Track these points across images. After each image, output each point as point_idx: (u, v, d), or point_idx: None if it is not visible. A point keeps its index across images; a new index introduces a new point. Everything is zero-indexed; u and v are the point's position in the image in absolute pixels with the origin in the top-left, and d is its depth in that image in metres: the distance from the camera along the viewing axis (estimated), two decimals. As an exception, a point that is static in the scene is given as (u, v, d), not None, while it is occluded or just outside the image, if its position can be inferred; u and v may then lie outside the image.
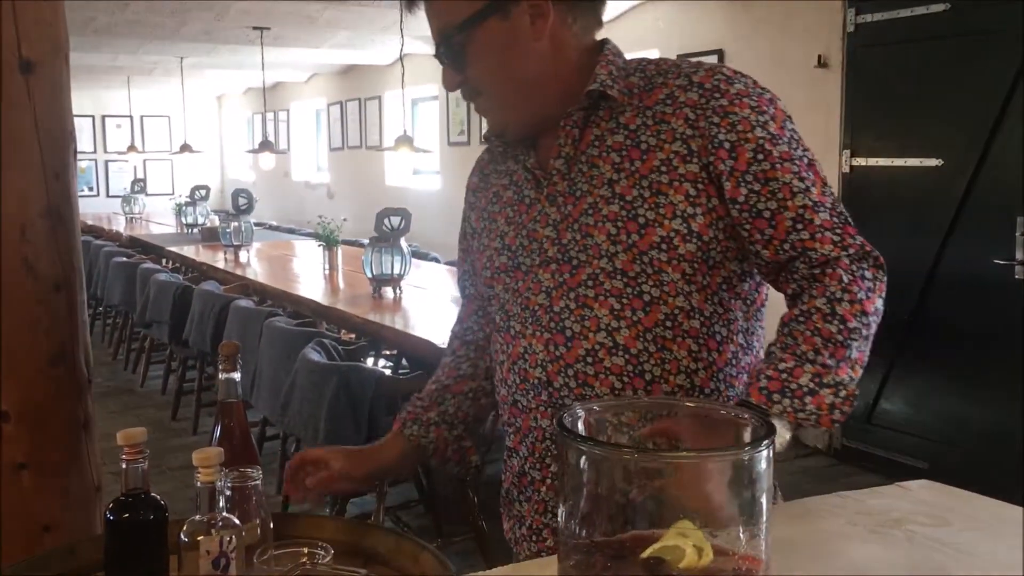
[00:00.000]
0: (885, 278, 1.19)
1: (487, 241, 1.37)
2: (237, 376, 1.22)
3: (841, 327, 1.13)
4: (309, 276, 5.62)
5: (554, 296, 1.24)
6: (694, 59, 1.31)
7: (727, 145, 1.18)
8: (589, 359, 1.21)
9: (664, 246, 1.18)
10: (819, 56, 4.75)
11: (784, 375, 1.11)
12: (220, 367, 1.22)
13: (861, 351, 1.15)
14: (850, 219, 1.19)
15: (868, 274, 1.16)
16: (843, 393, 1.11)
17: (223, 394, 1.22)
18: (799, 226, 1.16)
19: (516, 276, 1.30)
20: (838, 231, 1.17)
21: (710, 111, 1.19)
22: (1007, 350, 4.01)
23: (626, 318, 1.20)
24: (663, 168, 1.20)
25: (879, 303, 1.17)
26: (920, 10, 4.25)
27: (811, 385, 1.10)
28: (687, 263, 1.19)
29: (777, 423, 1.06)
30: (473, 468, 1.49)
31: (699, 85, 1.20)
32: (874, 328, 1.17)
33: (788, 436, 1.08)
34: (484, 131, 1.41)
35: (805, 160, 1.19)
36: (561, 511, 0.84)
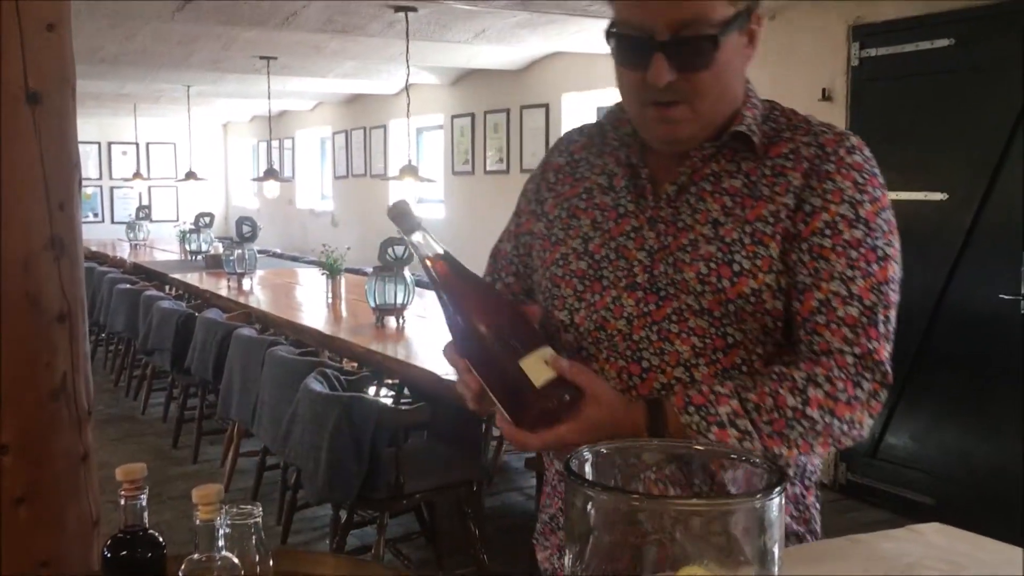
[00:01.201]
0: (883, 397, 1.14)
1: (563, 235, 1.31)
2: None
3: (799, 408, 1.10)
4: (312, 305, 5.61)
5: (635, 325, 1.21)
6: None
7: (807, 208, 1.16)
8: (664, 393, 1.18)
9: (753, 299, 1.16)
10: (823, 90, 4.76)
11: (711, 396, 1.10)
12: None
13: (806, 442, 1.11)
14: (884, 327, 1.14)
15: (865, 386, 1.13)
16: (746, 446, 1.08)
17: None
18: (822, 310, 1.14)
19: (594, 288, 1.25)
20: (857, 330, 1.13)
21: (820, 172, 1.17)
22: (1013, 385, 3.98)
23: (706, 356, 1.18)
24: (770, 219, 1.17)
25: (860, 417, 1.13)
26: (925, 45, 4.27)
27: (724, 419, 1.09)
28: (771, 318, 1.17)
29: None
30: None
31: (821, 147, 1.19)
32: (839, 436, 1.13)
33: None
34: (604, 114, 1.35)
35: (877, 253, 1.16)
36: (568, 556, 0.82)
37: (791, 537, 1.24)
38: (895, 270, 1.18)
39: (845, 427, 1.12)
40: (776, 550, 0.77)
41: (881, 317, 1.14)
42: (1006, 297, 3.99)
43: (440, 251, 1.14)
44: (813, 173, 1.17)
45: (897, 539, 1.17)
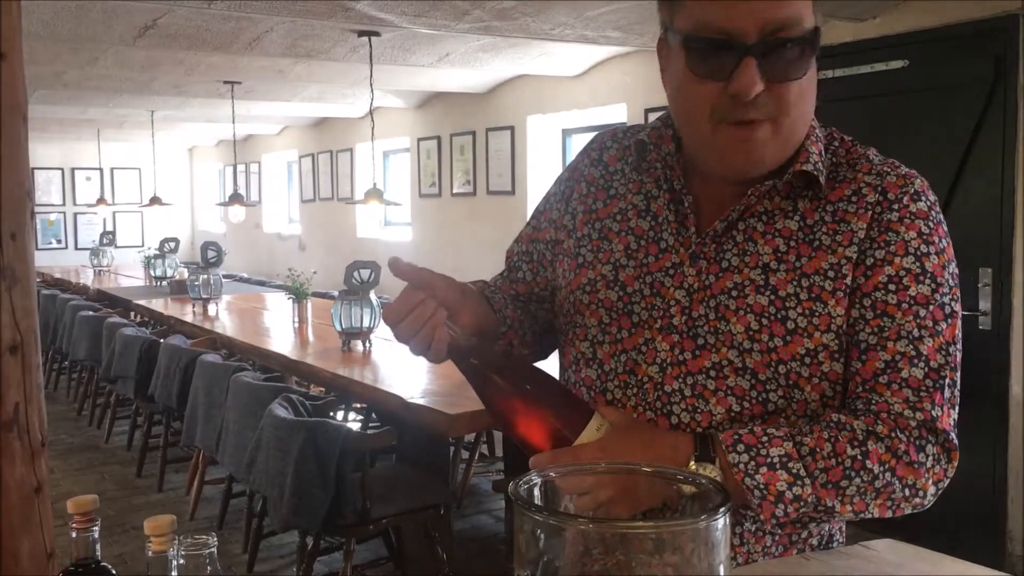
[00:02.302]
0: (948, 466, 1.07)
1: (591, 258, 1.21)
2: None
3: (858, 458, 1.02)
4: (278, 329, 5.58)
5: (668, 374, 1.12)
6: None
7: (869, 261, 1.07)
8: (713, 430, 1.10)
9: (808, 360, 1.07)
10: (783, 110, 4.83)
11: (764, 438, 1.02)
12: None
13: (864, 500, 1.03)
14: (950, 392, 1.08)
15: (929, 449, 1.05)
16: (796, 492, 1.00)
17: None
18: (887, 371, 1.05)
19: (622, 323, 1.16)
20: (921, 393, 1.05)
21: (883, 222, 1.08)
22: (975, 401, 4.03)
23: (741, 423, 1.09)
24: (831, 273, 1.07)
25: (924, 484, 1.05)
26: (880, 67, 4.35)
27: (776, 461, 1.01)
28: (828, 383, 1.08)
29: (715, 469, 1.00)
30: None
31: (884, 192, 1.09)
32: (900, 501, 1.05)
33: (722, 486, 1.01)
34: (646, 130, 1.22)
35: (944, 310, 1.08)
36: (517, 582, 0.82)
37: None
38: (959, 328, 1.10)
39: (907, 491, 1.05)
40: (722, 569, 0.78)
41: (948, 381, 1.07)
42: (964, 313, 4.04)
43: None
44: (875, 223, 1.08)
45: (850, 556, 1.18)
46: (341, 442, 3.09)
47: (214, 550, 1.09)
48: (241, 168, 12.20)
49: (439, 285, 1.12)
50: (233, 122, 8.09)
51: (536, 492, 0.85)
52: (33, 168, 12.07)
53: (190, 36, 5.10)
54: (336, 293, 4.99)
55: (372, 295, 4.62)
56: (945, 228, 1.11)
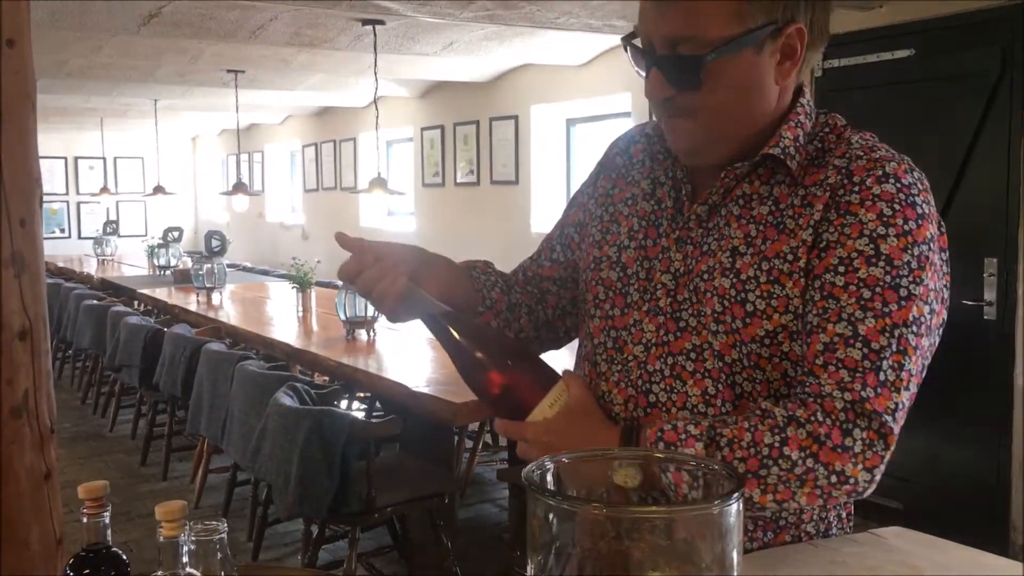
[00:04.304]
0: (884, 451, 1.04)
1: (599, 238, 1.27)
2: None
3: (776, 446, 1.02)
4: (282, 318, 5.58)
5: (652, 354, 1.16)
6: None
7: (823, 243, 1.07)
8: (640, 420, 1.15)
9: (768, 341, 1.09)
10: (788, 100, 4.81)
11: (682, 435, 1.04)
12: None
13: (788, 488, 1.02)
14: (891, 375, 1.03)
15: (857, 434, 1.02)
16: None
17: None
18: (825, 352, 1.05)
19: (616, 302, 1.22)
20: (855, 374, 1.03)
21: (841, 204, 1.08)
22: (979, 390, 4.04)
23: (715, 406, 1.12)
24: (789, 256, 1.09)
25: (853, 471, 1.02)
26: (886, 56, 4.33)
27: None
28: (790, 363, 1.09)
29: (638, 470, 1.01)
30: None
31: (849, 174, 1.09)
32: (828, 488, 1.03)
33: (638, 481, 1.00)
34: (651, 125, 1.28)
35: (899, 292, 1.04)
36: (530, 567, 0.82)
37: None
38: (921, 311, 1.05)
39: (834, 478, 1.02)
40: (735, 556, 0.78)
41: (889, 363, 1.03)
42: (969, 303, 4.05)
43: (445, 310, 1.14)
44: (833, 205, 1.08)
45: (859, 543, 1.18)
46: (346, 431, 3.09)
47: (224, 536, 1.09)
48: (244, 157, 12.19)
49: (395, 251, 1.19)
50: (236, 111, 8.07)
51: (549, 477, 0.85)
52: (36, 157, 12.08)
53: (194, 24, 5.09)
54: (340, 282, 4.98)
55: (376, 284, 4.60)
56: (920, 210, 1.07)
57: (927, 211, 1.08)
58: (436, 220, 8.40)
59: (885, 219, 1.05)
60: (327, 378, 4.41)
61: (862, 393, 1.02)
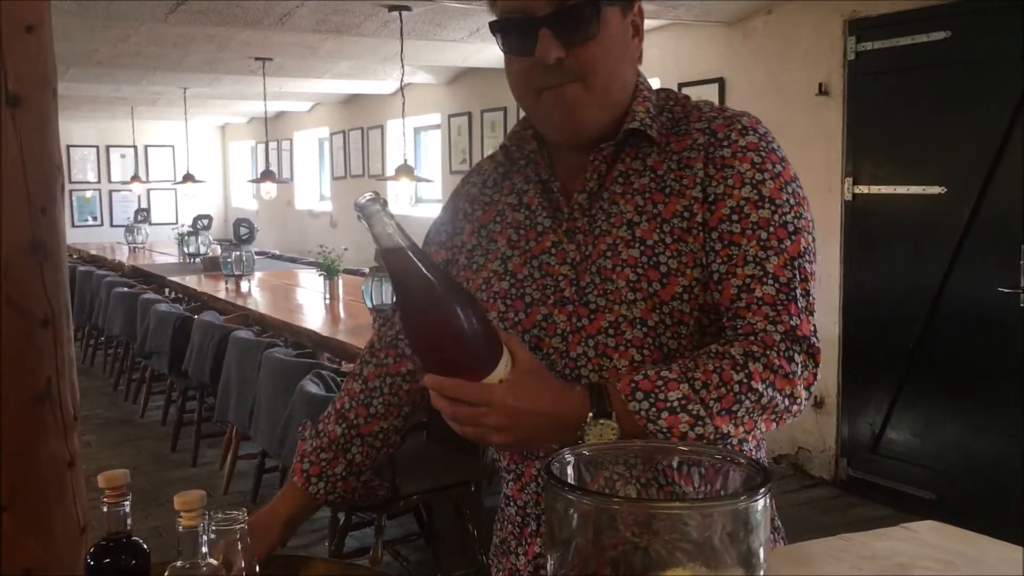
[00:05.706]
0: (815, 369, 1.13)
1: (483, 261, 1.29)
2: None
3: (744, 381, 1.07)
4: (310, 306, 5.60)
5: (570, 341, 1.19)
6: (713, 101, 1.28)
7: (711, 197, 1.15)
8: (606, 379, 1.15)
9: (686, 296, 1.15)
10: (820, 84, 4.75)
11: (659, 382, 1.06)
12: None
13: (752, 419, 1.10)
14: (804, 301, 1.13)
15: (797, 358, 1.11)
16: (699, 432, 1.05)
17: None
18: (742, 295, 1.12)
19: (517, 307, 1.23)
20: (777, 307, 1.11)
21: (716, 159, 1.16)
22: (1013, 378, 3.96)
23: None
24: (685, 214, 1.16)
25: (799, 392, 1.12)
26: (921, 38, 4.25)
27: (676, 404, 1.05)
28: (704, 314, 1.16)
29: (612, 424, 1.05)
30: (381, 497, 1.42)
31: (713, 133, 1.18)
32: (782, 412, 1.11)
33: (615, 437, 1.04)
34: (507, 136, 1.31)
35: (787, 228, 1.14)
36: (550, 563, 0.80)
37: None
38: (808, 241, 1.16)
39: (787, 401, 1.10)
40: (761, 552, 0.75)
41: (799, 291, 1.13)
42: (1005, 290, 3.97)
43: (402, 244, 1.06)
44: (709, 161, 1.16)
45: (890, 538, 1.15)
46: (372, 418, 3.08)
47: (244, 525, 1.09)
48: (273, 145, 12.23)
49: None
50: (264, 99, 8.10)
51: (569, 471, 0.83)
52: (68, 146, 12.22)
53: (221, 12, 5.10)
54: (367, 270, 4.99)
55: (403, 272, 4.60)
56: (780, 155, 1.18)
57: (783, 153, 1.19)
58: (463, 207, 8.36)
59: (757, 166, 1.15)
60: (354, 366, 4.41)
61: (791, 322, 1.11)
